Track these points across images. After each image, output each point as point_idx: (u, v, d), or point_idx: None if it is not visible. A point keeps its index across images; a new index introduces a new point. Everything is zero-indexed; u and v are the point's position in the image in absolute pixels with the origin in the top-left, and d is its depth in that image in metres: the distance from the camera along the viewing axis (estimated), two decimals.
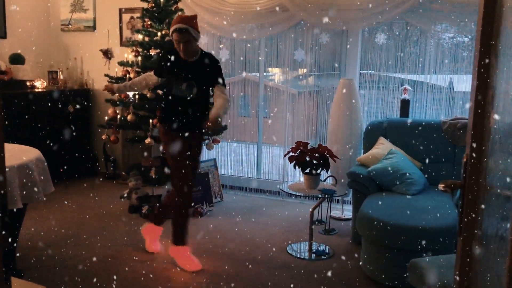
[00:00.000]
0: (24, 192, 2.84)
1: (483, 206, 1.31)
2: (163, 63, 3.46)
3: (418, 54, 4.82)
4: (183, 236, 3.50)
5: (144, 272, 3.35)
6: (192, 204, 3.77)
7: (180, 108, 3.40)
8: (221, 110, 3.36)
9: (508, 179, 1.05)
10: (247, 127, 5.78)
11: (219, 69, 3.51)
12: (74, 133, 5.72)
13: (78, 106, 5.67)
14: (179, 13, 3.49)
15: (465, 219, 1.38)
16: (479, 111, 1.33)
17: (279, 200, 5.25)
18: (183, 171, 3.38)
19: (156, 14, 4.71)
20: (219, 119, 3.28)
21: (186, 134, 3.43)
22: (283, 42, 5.21)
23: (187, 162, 3.42)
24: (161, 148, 3.89)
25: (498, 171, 1.17)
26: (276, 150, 5.65)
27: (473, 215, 1.37)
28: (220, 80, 3.47)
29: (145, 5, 4.73)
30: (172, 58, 3.37)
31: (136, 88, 3.80)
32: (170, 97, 3.47)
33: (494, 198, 1.20)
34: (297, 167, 3.86)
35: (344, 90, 4.50)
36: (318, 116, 5.31)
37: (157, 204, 3.97)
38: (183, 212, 3.46)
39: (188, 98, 3.40)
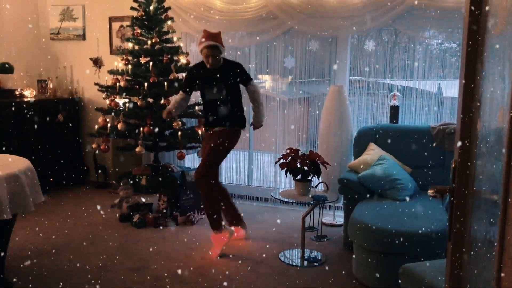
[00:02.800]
0: (14, 202, 2.82)
1: (471, 211, 1.33)
2: (193, 78, 4.04)
3: (407, 60, 4.87)
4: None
5: (135, 281, 3.33)
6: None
7: (217, 109, 3.93)
8: (261, 116, 4.08)
9: (494, 184, 1.06)
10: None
11: (243, 69, 4.01)
12: (64, 142, 5.69)
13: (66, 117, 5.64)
14: (204, 29, 3.87)
15: (454, 224, 1.39)
16: (466, 117, 1.34)
17: (271, 207, 5.24)
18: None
19: (146, 23, 4.72)
20: (262, 122, 4.12)
21: (224, 127, 3.94)
22: (273, 49, 5.23)
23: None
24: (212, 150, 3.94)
25: (485, 176, 1.19)
26: (267, 157, 5.66)
27: (462, 220, 1.38)
28: (247, 77, 4.00)
29: (134, 13, 4.74)
30: (200, 71, 3.96)
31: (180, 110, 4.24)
32: (207, 103, 3.98)
33: (482, 203, 1.21)
34: (288, 173, 3.87)
35: (334, 97, 4.53)
36: (308, 122, 5.33)
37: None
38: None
39: (220, 99, 3.90)
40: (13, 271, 3.40)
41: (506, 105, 0.97)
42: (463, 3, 1.40)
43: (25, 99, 5.45)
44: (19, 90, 5.52)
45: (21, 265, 3.52)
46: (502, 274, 0.98)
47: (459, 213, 1.39)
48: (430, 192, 1.50)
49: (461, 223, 1.38)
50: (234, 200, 4.40)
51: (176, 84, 4.61)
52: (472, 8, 1.32)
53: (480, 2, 1.28)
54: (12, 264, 3.52)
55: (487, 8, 1.25)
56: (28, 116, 5.31)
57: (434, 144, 4.11)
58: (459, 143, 1.35)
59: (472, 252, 1.31)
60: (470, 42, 1.32)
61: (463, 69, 1.35)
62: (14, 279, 3.25)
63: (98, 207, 5.02)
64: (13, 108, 5.17)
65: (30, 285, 3.22)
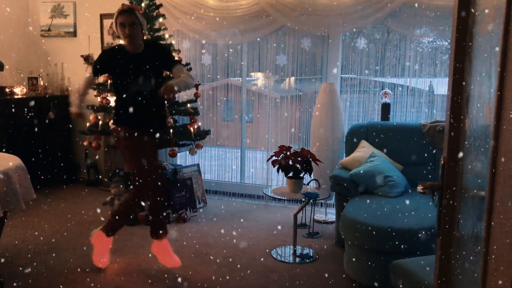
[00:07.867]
0: (4, 200, 2.80)
1: (460, 207, 1.34)
2: (106, 61, 3.31)
3: (398, 58, 4.90)
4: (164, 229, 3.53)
5: (127, 280, 3.32)
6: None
7: (139, 106, 3.25)
8: (180, 82, 3.19)
9: (482, 180, 1.07)
10: (230, 131, 5.78)
11: (170, 52, 3.49)
12: (55, 140, 5.66)
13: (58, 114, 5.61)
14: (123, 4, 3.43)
15: (443, 220, 1.41)
16: (455, 114, 1.36)
17: (263, 204, 5.26)
18: (155, 170, 3.41)
19: None
20: (175, 88, 3.07)
21: (149, 132, 3.35)
22: (265, 47, 5.24)
23: (154, 161, 3.46)
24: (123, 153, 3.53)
25: (473, 172, 1.20)
26: (259, 155, 5.67)
27: (451, 216, 1.40)
28: (171, 61, 3.40)
29: None
30: (118, 56, 3.25)
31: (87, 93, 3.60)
32: (126, 96, 3.28)
33: (470, 199, 1.23)
34: (280, 171, 3.88)
35: (326, 94, 4.55)
36: (301, 120, 5.35)
37: (111, 213, 3.62)
38: (159, 208, 3.49)
39: (145, 93, 3.25)
40: (3, 270, 3.38)
41: (492, 103, 0.98)
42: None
43: (16, 97, 5.41)
44: (9, 87, 5.48)
45: (12, 264, 3.51)
46: (488, 268, 0.99)
47: (448, 210, 1.40)
48: (419, 188, 1.52)
49: (450, 219, 1.40)
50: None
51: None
52: (461, 7, 1.33)
53: (468, 2, 1.30)
54: (3, 262, 3.49)
55: (475, 7, 1.27)
56: (19, 113, 5.27)
57: (430, 141, 4.13)
58: (447, 140, 1.37)
59: (460, 248, 1.33)
60: (458, 40, 1.34)
61: (451, 67, 1.36)
62: (5, 278, 3.23)
63: (90, 204, 5.01)
64: (3, 106, 5.13)
65: (21, 284, 3.20)
